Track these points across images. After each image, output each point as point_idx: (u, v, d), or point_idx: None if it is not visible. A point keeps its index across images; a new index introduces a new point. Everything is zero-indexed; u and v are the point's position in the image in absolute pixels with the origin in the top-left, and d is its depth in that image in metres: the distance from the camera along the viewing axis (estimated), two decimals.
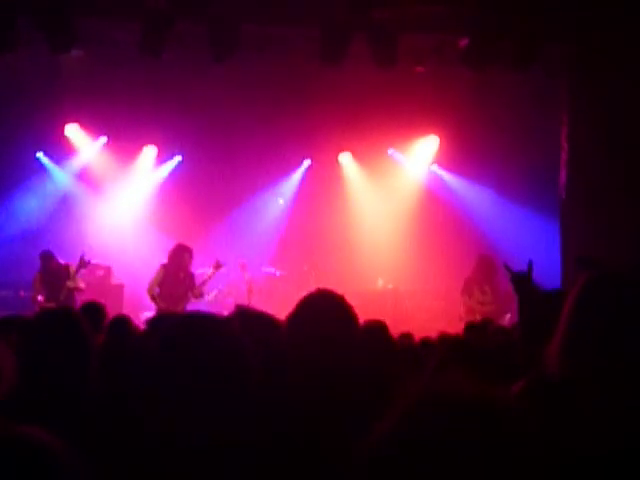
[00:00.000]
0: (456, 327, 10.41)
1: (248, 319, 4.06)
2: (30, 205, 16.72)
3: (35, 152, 16.67)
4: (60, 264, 13.54)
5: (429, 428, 1.50)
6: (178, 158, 17.44)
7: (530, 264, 4.97)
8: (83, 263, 13.21)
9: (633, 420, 2.36)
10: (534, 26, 12.68)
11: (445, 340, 6.71)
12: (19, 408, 3.46)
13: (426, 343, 7.22)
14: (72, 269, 13.26)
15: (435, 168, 17.61)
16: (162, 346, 2.57)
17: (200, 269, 13.98)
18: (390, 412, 1.56)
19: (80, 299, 12.84)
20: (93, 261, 13.77)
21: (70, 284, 13.19)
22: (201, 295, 13.41)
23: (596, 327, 2.58)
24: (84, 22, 12.63)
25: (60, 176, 16.99)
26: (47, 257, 13.59)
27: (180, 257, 13.12)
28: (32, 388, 3.57)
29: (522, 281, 4.96)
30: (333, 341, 3.38)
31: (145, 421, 2.52)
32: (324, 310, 3.53)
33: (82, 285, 13.48)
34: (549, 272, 14.63)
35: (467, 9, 12.55)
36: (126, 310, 14.44)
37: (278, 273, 16.74)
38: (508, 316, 13.09)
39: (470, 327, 8.16)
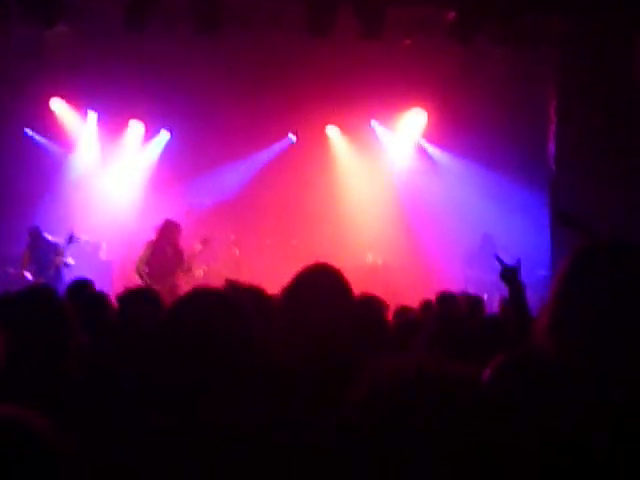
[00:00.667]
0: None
1: (239, 293, 4.04)
2: (19, 180, 16.65)
3: (22, 127, 16.58)
4: (49, 240, 13.50)
5: (395, 402, 1.50)
6: (165, 133, 17.33)
7: (519, 261, 5.06)
8: (72, 239, 13.17)
9: (621, 396, 2.34)
10: (521, 0, 12.64)
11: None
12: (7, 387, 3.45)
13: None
14: (61, 246, 13.22)
15: (423, 141, 17.55)
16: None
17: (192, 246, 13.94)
18: (358, 384, 1.56)
19: (69, 275, 12.80)
20: (82, 237, 13.72)
21: (58, 260, 13.15)
22: (189, 269, 13.37)
23: (585, 302, 2.55)
24: None
25: (48, 150, 16.89)
26: (35, 233, 13.55)
27: (167, 233, 13.07)
28: (14, 366, 3.54)
29: (511, 276, 5.00)
30: (330, 313, 3.37)
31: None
32: (322, 282, 3.52)
33: (71, 261, 13.44)
34: (539, 245, 14.69)
35: None
36: (115, 287, 14.43)
37: (268, 242, 16.74)
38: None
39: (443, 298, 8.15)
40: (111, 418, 2.62)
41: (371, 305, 5.64)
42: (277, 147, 17.51)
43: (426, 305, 8.12)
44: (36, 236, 13.51)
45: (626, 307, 2.50)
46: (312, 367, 3.15)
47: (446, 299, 8.13)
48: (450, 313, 6.91)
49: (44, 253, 13.30)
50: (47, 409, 1.90)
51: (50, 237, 13.56)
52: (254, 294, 4.08)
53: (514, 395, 2.26)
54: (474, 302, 8.24)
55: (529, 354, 2.46)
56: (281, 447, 2.50)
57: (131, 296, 5.82)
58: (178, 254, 13.12)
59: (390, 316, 7.32)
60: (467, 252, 15.22)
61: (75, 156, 17.04)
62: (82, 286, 7.49)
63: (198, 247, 13.47)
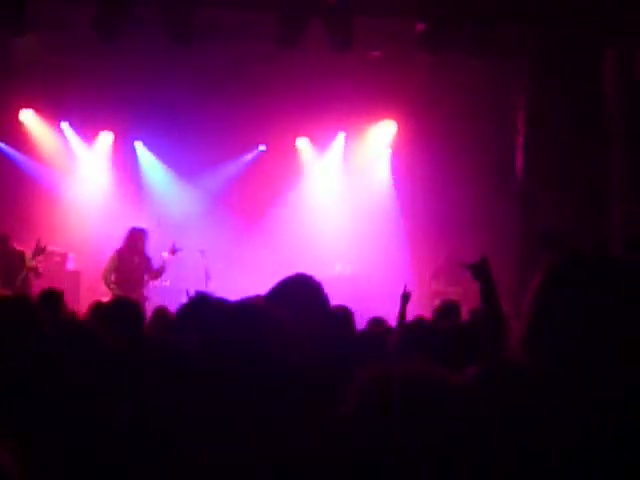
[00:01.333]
0: (416, 310, 10.41)
1: (206, 305, 4.04)
2: None
3: None
4: (15, 249, 13.32)
5: (379, 408, 1.51)
6: (136, 145, 17.29)
7: (484, 257, 5.14)
8: (39, 249, 12.96)
9: (597, 407, 2.36)
10: (491, 10, 12.71)
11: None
12: None
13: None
14: (28, 256, 13.04)
15: (392, 152, 17.60)
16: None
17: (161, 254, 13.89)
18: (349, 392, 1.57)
19: (36, 286, 12.69)
20: (49, 247, 13.59)
21: (29, 263, 12.89)
22: (157, 276, 13.32)
23: (560, 313, 2.56)
24: (37, 4, 12.48)
25: (16, 160, 16.79)
26: (3, 240, 13.32)
27: (134, 241, 12.99)
28: None
29: (479, 269, 5.05)
30: (310, 324, 3.38)
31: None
32: (303, 293, 3.53)
33: (40, 269, 13.22)
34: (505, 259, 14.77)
35: None
36: (83, 297, 14.38)
37: (236, 253, 16.71)
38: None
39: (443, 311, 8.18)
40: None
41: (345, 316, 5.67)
42: (247, 158, 17.50)
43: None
44: (3, 243, 13.28)
45: (602, 319, 2.51)
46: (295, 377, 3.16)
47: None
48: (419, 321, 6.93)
49: (11, 262, 13.12)
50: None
51: (17, 246, 13.39)
52: (222, 305, 4.07)
53: (485, 406, 2.27)
54: (449, 308, 8.26)
55: (501, 365, 2.47)
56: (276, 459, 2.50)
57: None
58: (145, 262, 13.04)
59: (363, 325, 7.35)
60: (434, 266, 15.28)
61: (43, 166, 16.93)
62: (52, 297, 7.47)
63: (165, 256, 13.41)
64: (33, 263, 12.90)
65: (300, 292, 3.55)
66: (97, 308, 6.54)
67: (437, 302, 12.90)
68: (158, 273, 13.28)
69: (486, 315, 5.03)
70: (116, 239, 14.15)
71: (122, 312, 5.80)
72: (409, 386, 1.56)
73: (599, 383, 2.42)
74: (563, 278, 2.64)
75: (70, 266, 15.98)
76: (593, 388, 2.40)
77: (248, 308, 2.76)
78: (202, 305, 3.94)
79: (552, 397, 2.31)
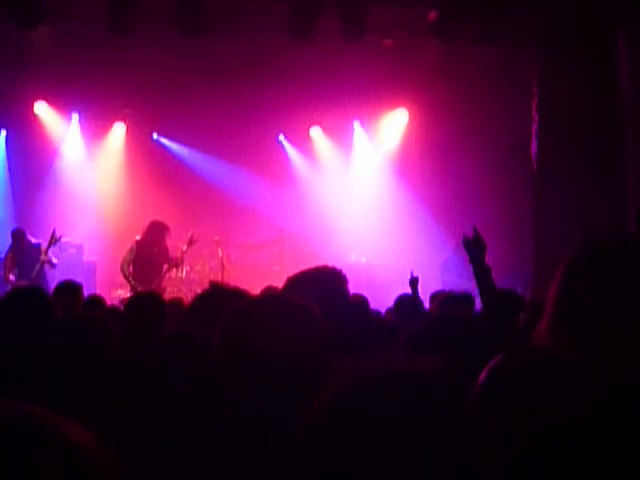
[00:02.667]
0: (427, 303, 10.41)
1: (222, 296, 4.04)
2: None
3: (2, 129, 16.59)
4: (31, 242, 13.42)
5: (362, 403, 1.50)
6: (151, 135, 17.35)
7: (475, 229, 5.15)
8: (54, 239, 13.05)
9: (625, 394, 2.35)
10: None
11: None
12: None
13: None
14: (43, 247, 13.13)
15: (405, 141, 17.58)
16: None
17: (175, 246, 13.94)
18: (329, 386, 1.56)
19: (52, 277, 12.77)
20: (64, 238, 13.66)
21: (43, 257, 13.01)
22: (176, 266, 13.37)
23: (586, 301, 2.56)
24: None
25: (31, 152, 16.86)
26: (19, 234, 13.44)
27: (155, 234, 13.03)
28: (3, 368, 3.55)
29: (472, 245, 5.05)
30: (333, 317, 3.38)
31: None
32: (330, 285, 3.53)
33: (55, 260, 13.32)
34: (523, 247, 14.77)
35: None
36: (99, 288, 14.43)
37: (251, 241, 16.73)
38: None
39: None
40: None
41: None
42: (261, 148, 17.51)
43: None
44: (19, 238, 13.40)
45: (626, 304, 2.51)
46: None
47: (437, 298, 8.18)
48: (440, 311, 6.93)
49: (27, 255, 13.20)
50: None
51: (33, 239, 13.48)
52: (239, 296, 4.07)
53: (514, 394, 2.27)
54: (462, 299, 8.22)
55: (530, 353, 2.46)
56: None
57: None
58: (164, 255, 13.07)
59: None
60: (444, 257, 15.22)
61: (58, 158, 16.99)
62: (70, 288, 7.49)
63: (183, 247, 13.46)
64: (48, 255, 13.00)
65: (327, 285, 3.56)
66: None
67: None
68: (176, 265, 13.32)
69: (484, 304, 5.00)
70: (131, 230, 14.22)
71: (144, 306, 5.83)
72: (390, 380, 1.55)
73: (626, 368, 2.42)
74: (588, 263, 2.64)
75: (86, 257, 16.05)
76: (620, 373, 2.40)
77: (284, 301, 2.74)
78: (218, 297, 3.94)
79: (581, 383, 2.31)
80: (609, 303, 2.52)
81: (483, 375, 2.34)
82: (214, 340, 2.58)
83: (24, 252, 13.21)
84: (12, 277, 13.10)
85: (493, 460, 1.54)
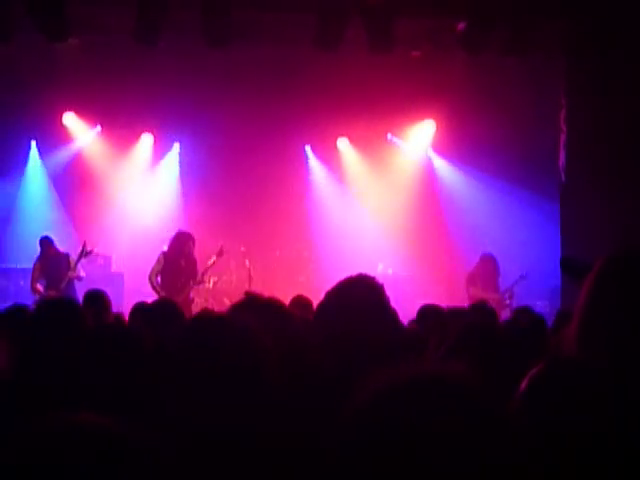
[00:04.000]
0: None
1: (258, 307, 4.03)
2: (27, 192, 16.78)
3: (31, 140, 16.72)
4: (59, 251, 13.48)
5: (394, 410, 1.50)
6: (177, 147, 17.40)
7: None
8: (85, 252, 13.14)
9: None
10: (531, 8, 12.64)
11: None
12: (20, 399, 3.45)
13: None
14: (72, 259, 13.20)
15: (432, 153, 17.58)
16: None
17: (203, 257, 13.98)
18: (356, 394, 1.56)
19: (80, 288, 12.83)
20: (93, 250, 13.73)
21: (71, 274, 13.11)
22: (201, 282, 13.39)
23: (614, 311, 2.55)
24: (79, 10, 12.60)
25: (55, 164, 16.97)
26: (46, 243, 13.48)
27: (181, 245, 13.06)
28: (33, 378, 3.56)
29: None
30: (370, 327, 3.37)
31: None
32: (364, 296, 3.52)
33: (82, 274, 13.41)
34: (549, 258, 14.69)
35: None
36: (127, 299, 14.48)
37: (278, 254, 16.73)
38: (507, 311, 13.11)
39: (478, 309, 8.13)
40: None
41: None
42: (288, 159, 17.54)
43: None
44: (47, 247, 13.45)
45: None
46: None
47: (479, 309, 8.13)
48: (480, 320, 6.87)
49: (55, 265, 13.26)
50: None
51: (61, 249, 13.55)
52: (275, 308, 4.06)
53: (556, 403, 2.26)
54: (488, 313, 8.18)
55: (569, 362, 2.46)
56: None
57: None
58: (191, 266, 13.10)
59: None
60: (470, 270, 15.14)
61: (86, 169, 17.08)
62: (97, 298, 7.53)
63: (213, 259, 13.49)
64: (74, 273, 13.11)
65: (364, 293, 3.55)
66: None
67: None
68: (204, 276, 13.35)
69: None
70: (159, 241, 14.26)
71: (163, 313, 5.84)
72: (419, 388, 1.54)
73: None
74: (616, 274, 2.63)
75: (114, 268, 16.12)
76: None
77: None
78: (253, 307, 3.93)
79: (610, 393, 2.30)
80: (636, 314, 2.51)
81: (525, 383, 2.33)
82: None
83: (51, 261, 13.26)
84: (40, 287, 13.15)
85: (524, 466, 1.53)
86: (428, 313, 7.59)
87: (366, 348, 3.29)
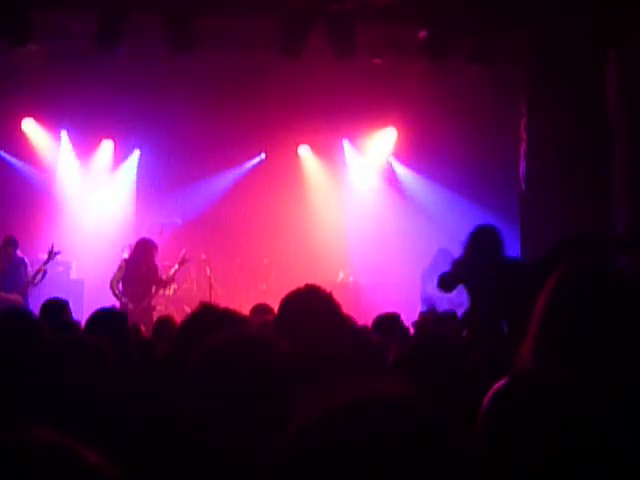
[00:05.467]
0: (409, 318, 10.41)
1: (212, 316, 4.01)
2: None
3: None
4: (18, 255, 13.38)
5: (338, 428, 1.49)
6: (137, 152, 17.30)
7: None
8: (52, 254, 13.14)
9: (605, 418, 2.35)
10: (492, 17, 12.71)
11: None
12: None
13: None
14: (29, 263, 13.18)
15: (393, 161, 17.61)
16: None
17: (163, 263, 13.92)
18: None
19: (39, 295, 12.75)
20: (60, 252, 13.69)
21: (38, 278, 13.10)
22: (165, 286, 13.38)
23: (569, 322, 2.56)
24: (39, 14, 12.51)
25: (18, 169, 16.82)
26: (10, 243, 13.34)
27: (143, 252, 13.01)
28: None
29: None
30: (326, 339, 3.37)
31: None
32: (314, 308, 3.52)
33: (39, 278, 13.33)
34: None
35: (425, 1, 12.57)
36: (86, 306, 14.38)
37: (238, 261, 16.68)
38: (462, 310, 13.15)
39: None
40: None
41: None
42: (248, 166, 17.51)
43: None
44: (10, 247, 13.30)
45: (611, 326, 2.51)
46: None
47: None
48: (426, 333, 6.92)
49: (15, 268, 13.18)
50: None
51: (20, 253, 13.45)
52: (229, 317, 4.04)
53: (521, 419, 2.27)
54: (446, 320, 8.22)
55: (528, 379, 2.46)
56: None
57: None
58: (153, 273, 13.06)
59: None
60: (425, 268, 15.16)
61: (45, 175, 16.95)
62: (57, 307, 7.47)
63: (175, 266, 13.46)
64: (39, 275, 13.06)
65: (311, 305, 3.54)
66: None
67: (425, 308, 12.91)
68: (166, 283, 13.31)
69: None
70: (119, 247, 14.18)
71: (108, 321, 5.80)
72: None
73: (611, 386, 2.42)
74: (572, 285, 2.64)
75: (74, 275, 16.00)
76: (607, 391, 2.39)
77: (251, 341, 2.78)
78: (207, 318, 3.91)
79: (572, 404, 2.30)
80: (594, 323, 2.52)
81: (488, 398, 2.34)
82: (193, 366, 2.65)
83: (11, 262, 13.16)
84: None
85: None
86: (384, 322, 7.56)
87: (317, 361, 3.28)
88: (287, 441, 1.53)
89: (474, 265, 8.29)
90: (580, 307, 2.59)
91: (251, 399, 2.53)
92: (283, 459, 1.52)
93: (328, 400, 1.54)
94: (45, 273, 13.31)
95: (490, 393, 2.38)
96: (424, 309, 12.61)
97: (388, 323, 7.27)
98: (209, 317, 3.91)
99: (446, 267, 14.00)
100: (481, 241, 8.39)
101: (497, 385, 2.39)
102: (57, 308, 7.37)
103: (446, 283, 8.87)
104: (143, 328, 8.63)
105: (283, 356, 2.68)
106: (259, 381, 2.57)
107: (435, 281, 14.07)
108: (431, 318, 8.81)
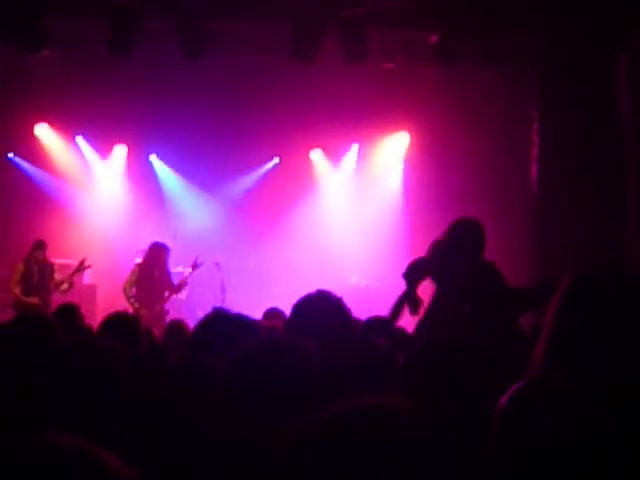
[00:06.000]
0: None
1: (225, 321, 4.04)
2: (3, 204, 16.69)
3: (6, 152, 16.59)
4: (47, 259, 13.45)
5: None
6: (150, 158, 17.35)
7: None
8: (82, 268, 13.27)
9: (615, 426, 2.35)
10: (503, 22, 12.72)
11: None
12: None
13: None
14: (70, 276, 13.30)
15: (406, 164, 17.58)
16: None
17: (175, 268, 13.96)
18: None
19: (54, 299, 12.84)
20: (65, 261, 13.76)
21: (65, 287, 13.19)
22: (178, 291, 13.42)
23: (581, 329, 2.56)
24: (53, 21, 12.57)
25: (32, 174, 16.87)
26: (40, 247, 13.38)
27: (156, 256, 13.06)
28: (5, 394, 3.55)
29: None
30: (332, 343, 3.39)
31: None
32: (324, 311, 3.54)
33: (65, 286, 13.42)
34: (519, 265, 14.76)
35: (437, 5, 12.57)
36: (99, 310, 14.44)
37: (252, 265, 16.66)
38: None
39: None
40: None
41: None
42: (261, 170, 17.53)
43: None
44: (38, 251, 13.34)
45: (623, 334, 2.52)
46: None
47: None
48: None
49: (40, 272, 13.23)
50: None
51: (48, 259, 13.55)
52: (241, 322, 4.07)
53: (535, 421, 2.28)
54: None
55: (545, 382, 2.47)
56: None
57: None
58: (165, 277, 13.10)
59: None
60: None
61: (59, 180, 17.00)
62: (69, 311, 7.53)
63: (187, 271, 13.51)
64: (66, 286, 13.18)
65: (321, 311, 3.56)
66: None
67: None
68: (179, 288, 13.36)
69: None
70: (132, 252, 14.22)
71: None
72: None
73: (622, 395, 2.42)
74: (583, 294, 2.65)
75: (86, 280, 16.04)
76: (616, 400, 2.40)
77: (279, 343, 2.82)
78: (220, 323, 3.93)
79: (584, 411, 2.31)
80: (605, 332, 2.53)
81: (504, 401, 2.35)
82: (222, 374, 2.68)
83: (37, 266, 13.22)
84: (17, 290, 13.08)
85: None
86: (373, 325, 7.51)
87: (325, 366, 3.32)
88: (285, 449, 1.57)
89: (449, 261, 8.00)
90: (589, 315, 2.59)
91: (287, 402, 2.57)
92: (282, 462, 1.56)
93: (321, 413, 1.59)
94: (72, 284, 13.39)
95: (507, 395, 2.40)
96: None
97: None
98: (222, 322, 3.95)
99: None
100: (465, 236, 8.06)
101: (514, 387, 2.41)
102: (68, 313, 7.44)
103: (414, 273, 8.52)
104: (156, 332, 8.65)
105: (316, 360, 2.72)
106: (297, 386, 2.60)
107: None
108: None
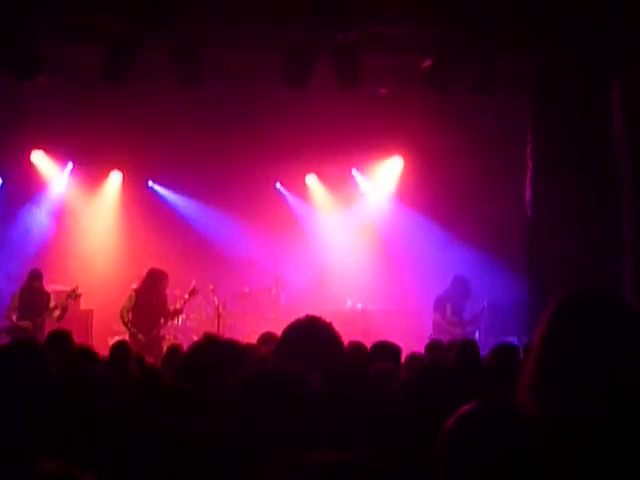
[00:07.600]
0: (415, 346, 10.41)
1: (216, 347, 4.05)
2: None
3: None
4: (43, 288, 13.53)
5: None
6: (146, 184, 17.37)
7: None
8: (75, 294, 13.40)
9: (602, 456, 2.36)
10: (496, 47, 12.78)
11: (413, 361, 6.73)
12: None
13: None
14: (53, 296, 13.34)
15: (400, 189, 17.61)
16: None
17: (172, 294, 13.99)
18: None
19: (48, 324, 12.87)
20: (61, 287, 13.81)
21: (57, 313, 13.26)
22: (174, 317, 13.44)
23: (565, 356, 2.56)
24: (47, 48, 12.62)
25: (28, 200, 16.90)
26: (36, 276, 13.52)
27: (154, 282, 13.09)
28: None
29: None
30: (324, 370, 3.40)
31: None
32: (314, 338, 3.55)
33: (57, 313, 13.48)
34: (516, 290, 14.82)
35: (430, 30, 12.63)
36: (95, 336, 14.45)
37: (248, 290, 16.64)
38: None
39: (433, 346, 8.22)
40: None
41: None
42: (257, 196, 17.54)
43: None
44: (34, 280, 13.48)
45: (609, 359, 2.52)
46: None
47: (435, 348, 8.17)
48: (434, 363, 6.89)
49: (36, 299, 13.32)
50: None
51: (44, 287, 13.65)
52: (233, 349, 4.07)
53: (471, 444, 2.30)
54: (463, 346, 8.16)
55: (495, 405, 2.48)
56: None
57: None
58: (162, 303, 13.12)
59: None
60: (439, 296, 15.07)
61: (54, 206, 17.01)
62: (61, 338, 7.56)
63: (185, 297, 13.56)
64: (59, 312, 13.25)
65: (311, 337, 3.58)
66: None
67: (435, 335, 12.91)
68: (175, 314, 13.37)
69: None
70: (128, 278, 14.23)
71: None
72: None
73: (608, 419, 2.43)
74: (568, 319, 2.65)
75: (82, 305, 16.03)
76: (603, 424, 2.41)
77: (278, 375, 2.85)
78: (211, 350, 3.94)
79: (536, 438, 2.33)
80: (589, 358, 2.53)
81: (450, 422, 2.37)
82: (222, 404, 2.70)
83: (33, 295, 13.31)
84: (14, 317, 13.17)
85: None
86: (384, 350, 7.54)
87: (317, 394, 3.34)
88: None
89: None
90: (574, 338, 2.60)
91: (283, 432, 2.59)
92: None
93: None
94: (66, 310, 13.45)
95: (454, 417, 2.41)
96: (435, 336, 12.57)
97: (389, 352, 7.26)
98: (212, 348, 3.96)
99: (462, 294, 14.12)
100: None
101: (462, 409, 2.42)
102: (61, 339, 7.49)
103: None
104: (150, 359, 8.68)
105: (314, 390, 2.74)
106: (292, 414, 2.63)
107: (449, 309, 14.19)
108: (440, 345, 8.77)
